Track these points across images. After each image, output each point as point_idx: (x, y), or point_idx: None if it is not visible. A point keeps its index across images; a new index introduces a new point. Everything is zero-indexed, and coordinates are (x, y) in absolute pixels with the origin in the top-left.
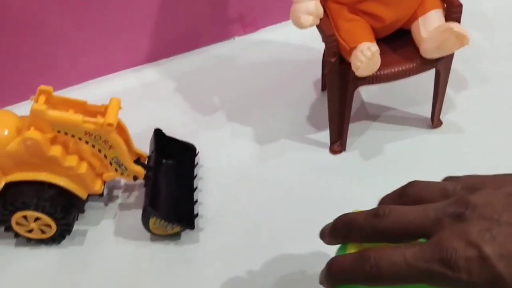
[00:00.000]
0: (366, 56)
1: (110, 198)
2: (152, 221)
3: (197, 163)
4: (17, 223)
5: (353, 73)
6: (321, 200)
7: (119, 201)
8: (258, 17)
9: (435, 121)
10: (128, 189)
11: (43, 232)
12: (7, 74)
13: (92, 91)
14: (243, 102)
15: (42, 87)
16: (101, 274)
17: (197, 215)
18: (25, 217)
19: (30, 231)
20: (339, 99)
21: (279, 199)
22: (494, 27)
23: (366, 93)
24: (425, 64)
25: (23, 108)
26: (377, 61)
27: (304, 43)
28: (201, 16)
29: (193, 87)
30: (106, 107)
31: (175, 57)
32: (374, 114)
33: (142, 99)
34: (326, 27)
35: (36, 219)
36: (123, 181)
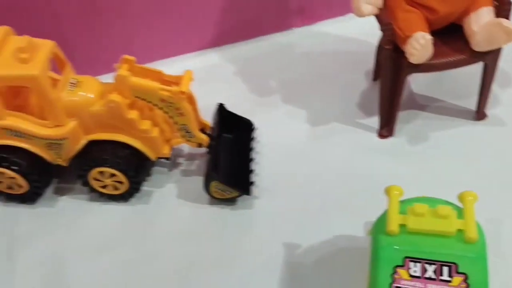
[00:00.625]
0: (420, 44)
1: (174, 165)
2: (213, 184)
3: (254, 138)
4: (94, 179)
5: (406, 61)
6: (366, 177)
7: (182, 167)
8: (317, 10)
9: (479, 114)
10: (189, 158)
11: (115, 188)
12: (91, 49)
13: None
14: (299, 87)
15: (126, 56)
16: (163, 230)
17: (253, 183)
18: (101, 173)
19: (104, 186)
20: (391, 86)
21: (328, 175)
22: None
23: (416, 84)
24: (474, 56)
25: (104, 79)
26: (430, 49)
27: (358, 37)
28: (264, 6)
29: (253, 71)
30: (180, 78)
31: (238, 43)
32: (422, 104)
33: (206, 79)
34: (384, 17)
35: (111, 175)
36: (185, 150)
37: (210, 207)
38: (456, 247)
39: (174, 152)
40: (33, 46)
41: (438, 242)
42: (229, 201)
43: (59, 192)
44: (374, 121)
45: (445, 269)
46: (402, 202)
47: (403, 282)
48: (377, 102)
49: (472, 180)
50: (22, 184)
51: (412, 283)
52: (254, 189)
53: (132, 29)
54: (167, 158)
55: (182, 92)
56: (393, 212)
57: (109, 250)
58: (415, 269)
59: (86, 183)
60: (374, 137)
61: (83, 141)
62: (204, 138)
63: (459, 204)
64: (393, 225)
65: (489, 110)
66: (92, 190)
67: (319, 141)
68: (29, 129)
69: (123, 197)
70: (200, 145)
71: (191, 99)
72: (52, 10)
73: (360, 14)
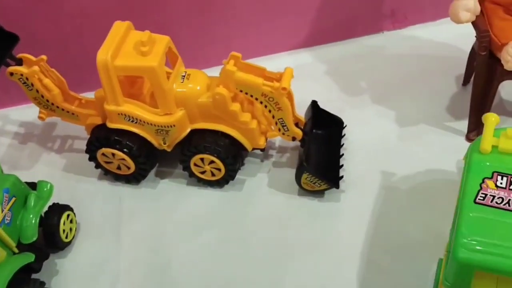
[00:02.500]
0: None
1: (266, 156)
2: (304, 176)
3: (344, 135)
4: (195, 164)
5: (501, 67)
6: (453, 179)
7: (273, 159)
8: (408, 14)
9: None
10: (281, 150)
11: (213, 174)
12: (197, 45)
13: None
14: (388, 88)
15: (233, 53)
16: (254, 215)
17: (341, 177)
18: (202, 159)
19: (203, 172)
20: (483, 91)
21: (415, 175)
22: None
23: (506, 91)
24: None
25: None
26: None
27: (448, 42)
28: (357, 9)
29: (344, 71)
30: (281, 75)
31: (330, 44)
32: (511, 110)
33: (299, 77)
34: (481, 24)
35: (211, 162)
36: (277, 143)
37: (300, 197)
38: None
39: (266, 145)
40: (152, 41)
41: None
42: (318, 193)
43: (160, 175)
44: (463, 125)
45: None
46: (496, 129)
47: (489, 190)
48: (466, 107)
49: None
50: (130, 166)
51: (497, 191)
52: (341, 183)
53: (232, 28)
54: (261, 149)
55: (284, 88)
56: (488, 134)
57: (205, 230)
58: (502, 181)
59: (187, 168)
60: (463, 140)
61: (188, 129)
62: (298, 132)
63: None
64: (487, 145)
65: None
66: (191, 175)
67: (407, 141)
68: (142, 116)
69: (219, 183)
70: (294, 139)
71: (289, 95)
72: (164, 9)
73: (458, 21)
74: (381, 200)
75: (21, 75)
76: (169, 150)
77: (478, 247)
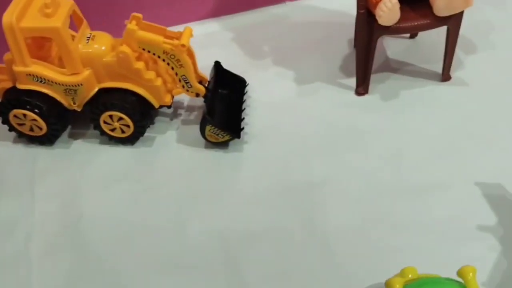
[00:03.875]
0: (387, 6)
1: (175, 115)
2: (208, 128)
3: (246, 92)
4: (104, 122)
5: (377, 23)
6: (344, 127)
7: (181, 118)
8: None
9: (444, 75)
10: (189, 109)
11: (123, 131)
12: (104, 13)
13: None
14: (289, 52)
15: (134, 14)
16: (165, 168)
17: (243, 128)
18: (110, 117)
19: (113, 130)
20: (365, 47)
21: (311, 125)
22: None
23: (390, 51)
24: (437, 21)
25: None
26: (397, 12)
27: (342, 10)
28: None
29: (249, 39)
30: (181, 33)
31: (235, 14)
32: (395, 67)
33: (206, 45)
34: None
35: (119, 119)
36: (185, 102)
37: (206, 150)
38: None
39: (175, 105)
40: (56, 4)
41: None
42: (222, 145)
43: (73, 136)
44: (353, 82)
45: None
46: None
47: None
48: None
49: (436, 131)
50: (42, 126)
51: None
52: (244, 135)
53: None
54: (168, 106)
55: (183, 45)
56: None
57: (116, 184)
58: None
59: (97, 126)
60: (352, 94)
61: (95, 88)
62: (202, 89)
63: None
64: None
65: (453, 73)
66: (102, 133)
67: (304, 97)
68: (50, 76)
69: (129, 140)
70: (197, 95)
71: (190, 53)
72: None
73: None
74: (279, 150)
75: None
76: (79, 109)
77: None
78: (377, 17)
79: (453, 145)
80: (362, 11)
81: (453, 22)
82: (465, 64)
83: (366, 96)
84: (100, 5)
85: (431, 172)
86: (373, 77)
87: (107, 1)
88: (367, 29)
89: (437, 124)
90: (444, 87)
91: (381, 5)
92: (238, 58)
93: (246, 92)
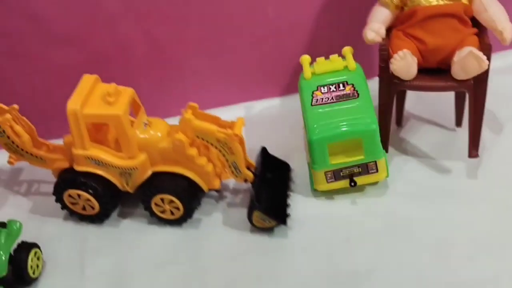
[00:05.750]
0: (399, 55)
1: (220, 197)
2: (255, 213)
3: (290, 177)
4: (155, 204)
5: (394, 77)
6: (389, 216)
7: (227, 200)
8: None
9: (470, 152)
10: (234, 192)
11: (172, 213)
12: (158, 96)
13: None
14: None
15: (191, 103)
16: (211, 251)
17: (289, 215)
18: (162, 199)
19: (163, 211)
20: (385, 105)
21: (357, 215)
22: None
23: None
24: (456, 84)
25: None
26: (410, 62)
27: None
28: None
29: (290, 122)
30: (233, 123)
31: (278, 97)
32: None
33: (249, 126)
34: (383, 42)
35: (170, 202)
36: (231, 185)
37: (252, 234)
38: (345, 73)
39: (222, 186)
40: (118, 92)
41: (334, 74)
42: (268, 230)
43: (122, 215)
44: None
45: (341, 85)
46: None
47: (318, 97)
48: None
49: (484, 224)
50: (94, 206)
51: (322, 95)
52: (289, 221)
53: (189, 83)
54: (217, 190)
55: (236, 135)
56: (306, 67)
57: (165, 265)
58: (324, 90)
59: (148, 208)
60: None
61: (149, 172)
62: (250, 175)
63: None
64: (307, 73)
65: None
66: (152, 214)
67: None
68: (108, 159)
69: (178, 222)
70: (245, 181)
71: (241, 141)
72: (128, 64)
73: (366, 40)
74: (324, 237)
75: None
76: (131, 191)
77: (321, 129)
78: (390, 67)
79: (502, 239)
80: (383, 65)
81: (474, 87)
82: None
83: (403, 180)
84: (149, 89)
85: (480, 266)
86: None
87: (156, 85)
88: (387, 83)
89: (484, 216)
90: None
91: (394, 55)
92: (280, 140)
93: (291, 177)
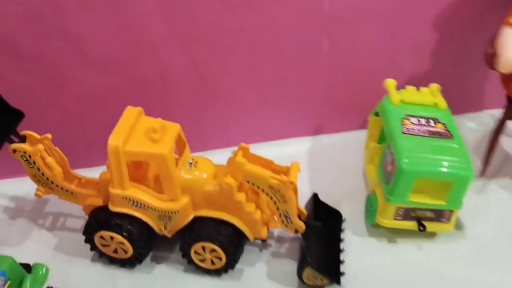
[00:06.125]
0: None
1: (265, 245)
2: (307, 270)
3: (343, 229)
4: (195, 252)
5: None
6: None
7: (272, 249)
8: None
9: None
10: (280, 240)
11: (213, 263)
12: (198, 129)
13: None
14: None
15: (242, 144)
16: None
17: (343, 273)
18: (203, 247)
19: (203, 260)
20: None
21: (413, 273)
22: None
23: None
24: None
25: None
26: None
27: None
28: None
29: (342, 162)
30: (288, 168)
31: (329, 134)
32: None
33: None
34: None
35: (212, 251)
36: (275, 232)
37: None
38: (435, 110)
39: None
40: (163, 129)
41: (424, 108)
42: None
43: (156, 259)
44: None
45: (431, 121)
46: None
47: (408, 125)
48: None
49: None
50: (127, 250)
51: (413, 126)
52: (342, 279)
53: (232, 115)
54: (263, 240)
55: (291, 183)
56: (393, 92)
57: None
58: (413, 120)
59: (186, 255)
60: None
61: (191, 216)
62: (302, 226)
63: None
64: (396, 99)
65: None
66: (190, 262)
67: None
68: (147, 201)
69: (218, 272)
70: (296, 231)
71: (295, 189)
72: (169, 93)
73: (503, 69)
74: None
75: (24, 152)
76: (169, 236)
77: (415, 160)
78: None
79: None
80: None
81: None
82: None
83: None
84: (189, 121)
85: None
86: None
87: (197, 118)
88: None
89: None
90: None
91: None
92: (331, 184)
93: (344, 229)
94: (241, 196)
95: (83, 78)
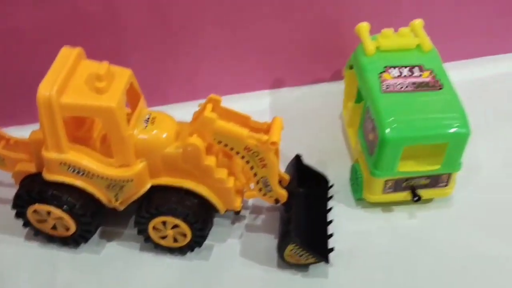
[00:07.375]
0: None
1: (237, 217)
2: (290, 247)
3: (331, 196)
4: (154, 228)
5: None
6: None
7: (246, 221)
8: None
9: None
10: (255, 211)
11: (175, 240)
12: (157, 78)
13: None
14: None
15: (213, 96)
16: None
17: (332, 249)
18: (163, 222)
19: (164, 237)
20: None
21: (408, 248)
22: None
23: None
24: None
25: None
26: None
27: None
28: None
29: (328, 115)
30: (268, 125)
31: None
32: None
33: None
34: None
35: (174, 226)
36: (250, 202)
37: (280, 271)
38: (419, 54)
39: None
40: (110, 75)
41: (406, 53)
42: (301, 267)
43: (106, 236)
44: None
45: (416, 69)
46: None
47: (388, 81)
48: None
49: None
50: (69, 226)
51: (395, 80)
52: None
53: (199, 62)
54: (236, 212)
55: (273, 143)
56: (367, 39)
57: None
58: (394, 72)
59: (142, 232)
60: None
61: (148, 185)
62: (283, 194)
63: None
64: (370, 48)
65: None
66: (147, 239)
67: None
68: (91, 167)
69: (181, 251)
70: (277, 201)
71: (276, 151)
72: (117, 32)
73: None
74: (370, 276)
75: None
76: (121, 208)
77: (400, 125)
78: None
79: None
80: None
81: None
82: None
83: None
84: (145, 68)
85: None
86: None
87: (154, 63)
88: None
89: None
90: None
91: None
92: (314, 142)
93: (332, 196)
94: (209, 160)
95: (8, 12)
